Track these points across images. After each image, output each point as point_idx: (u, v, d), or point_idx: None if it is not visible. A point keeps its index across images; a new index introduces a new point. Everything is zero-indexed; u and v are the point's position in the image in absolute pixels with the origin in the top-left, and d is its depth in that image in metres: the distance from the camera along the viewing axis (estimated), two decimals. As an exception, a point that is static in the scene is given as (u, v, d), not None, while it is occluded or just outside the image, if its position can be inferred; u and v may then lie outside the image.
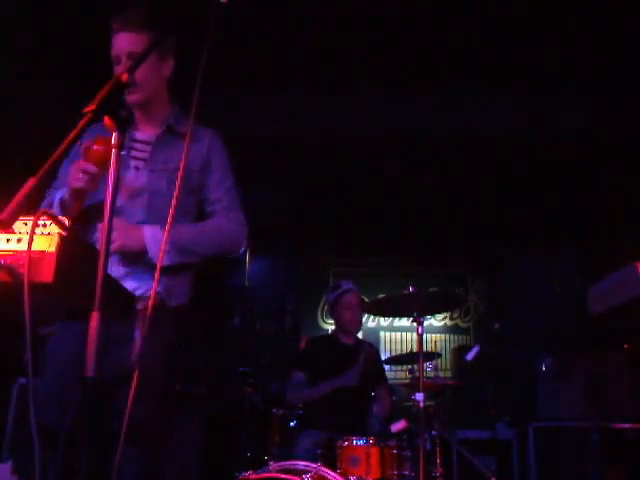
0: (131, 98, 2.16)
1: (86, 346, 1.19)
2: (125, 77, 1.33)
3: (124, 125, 1.32)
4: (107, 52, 2.18)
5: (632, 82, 4.34)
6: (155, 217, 2.12)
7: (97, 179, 1.91)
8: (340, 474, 2.91)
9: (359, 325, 4.07)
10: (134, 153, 2.22)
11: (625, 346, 3.79)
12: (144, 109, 2.27)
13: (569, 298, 5.70)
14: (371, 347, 4.21)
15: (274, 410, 3.55)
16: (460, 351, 6.54)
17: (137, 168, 2.20)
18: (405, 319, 6.37)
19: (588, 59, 4.23)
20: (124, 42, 2.12)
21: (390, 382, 4.28)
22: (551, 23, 3.98)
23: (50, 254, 1.44)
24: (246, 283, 4.82)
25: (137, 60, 1.61)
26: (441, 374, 6.54)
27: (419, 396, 3.00)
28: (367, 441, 3.03)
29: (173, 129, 2.25)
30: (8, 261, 1.42)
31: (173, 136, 2.25)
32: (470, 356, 4.26)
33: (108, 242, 1.25)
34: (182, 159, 1.52)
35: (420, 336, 3.14)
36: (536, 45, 4.18)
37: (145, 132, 2.26)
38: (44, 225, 1.47)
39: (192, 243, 2.19)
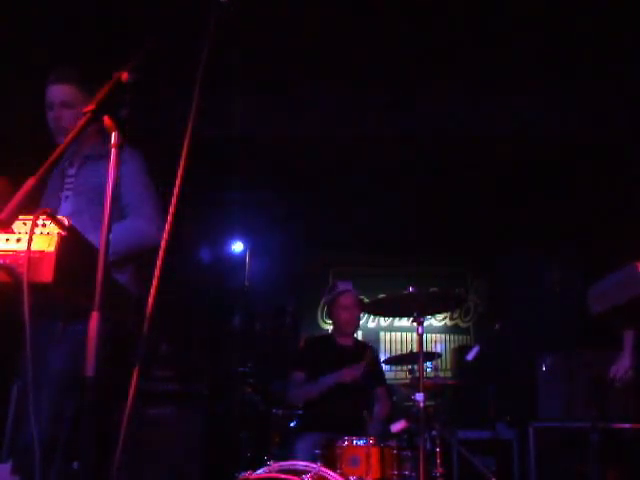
0: (59, 140, 2.44)
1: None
2: (125, 77, 1.34)
3: (124, 125, 1.33)
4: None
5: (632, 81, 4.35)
6: None
7: None
8: (340, 474, 2.90)
9: (355, 326, 4.08)
10: (66, 186, 2.48)
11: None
12: (74, 148, 2.53)
13: (569, 298, 5.70)
14: (368, 349, 4.21)
15: (274, 410, 3.55)
16: (460, 351, 6.54)
17: (67, 197, 2.45)
18: (405, 319, 6.37)
19: (593, 59, 4.23)
20: (57, 92, 2.46)
21: (390, 382, 4.28)
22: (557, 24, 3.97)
23: (49, 254, 1.43)
24: (246, 283, 4.82)
25: (138, 62, 1.60)
26: (441, 374, 6.54)
27: (419, 396, 3.00)
28: (367, 441, 3.03)
29: (91, 157, 2.50)
30: (7, 261, 1.42)
31: (92, 160, 2.49)
32: (470, 356, 4.26)
33: (107, 243, 1.25)
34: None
35: (420, 336, 3.13)
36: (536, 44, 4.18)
37: (69, 166, 2.53)
38: (43, 225, 1.47)
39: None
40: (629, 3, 3.69)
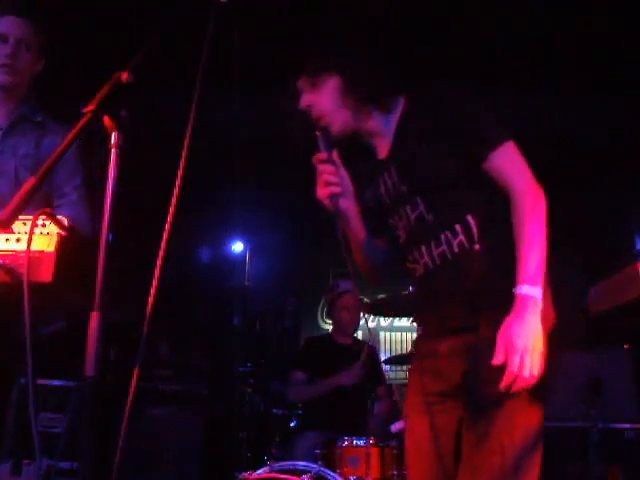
0: (5, 78, 2.17)
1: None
2: (125, 76, 1.33)
3: (124, 125, 1.33)
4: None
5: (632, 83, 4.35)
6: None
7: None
8: (340, 474, 2.90)
9: (356, 326, 4.08)
10: None
11: (625, 346, 3.79)
12: (5, 93, 2.24)
13: (569, 298, 5.69)
14: (369, 347, 4.21)
15: (274, 410, 3.55)
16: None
17: None
18: (405, 319, 6.37)
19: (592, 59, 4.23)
20: (16, 26, 2.17)
21: (390, 382, 4.28)
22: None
23: (49, 254, 1.44)
24: (246, 283, 4.82)
25: (140, 59, 1.59)
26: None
27: (419, 396, 2.99)
28: (367, 441, 3.03)
29: (27, 117, 2.24)
30: (7, 261, 1.42)
31: (27, 124, 2.23)
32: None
33: (107, 242, 1.25)
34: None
35: (420, 336, 3.13)
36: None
37: None
38: (43, 225, 1.48)
39: None
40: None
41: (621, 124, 4.70)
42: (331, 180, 1.71)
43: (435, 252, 1.67)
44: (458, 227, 1.63)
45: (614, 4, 3.83)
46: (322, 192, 1.74)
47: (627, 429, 3.71)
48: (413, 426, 1.73)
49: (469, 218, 1.63)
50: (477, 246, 1.61)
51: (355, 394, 3.62)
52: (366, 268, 1.93)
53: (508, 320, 1.49)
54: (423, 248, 1.69)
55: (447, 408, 1.65)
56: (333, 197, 1.71)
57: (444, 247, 1.65)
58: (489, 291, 1.59)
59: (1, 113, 2.24)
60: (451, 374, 1.63)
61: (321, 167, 1.75)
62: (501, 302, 1.53)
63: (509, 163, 1.65)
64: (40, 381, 3.35)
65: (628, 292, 2.46)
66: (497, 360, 1.46)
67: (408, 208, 1.71)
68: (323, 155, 1.74)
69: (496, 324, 1.50)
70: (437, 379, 1.67)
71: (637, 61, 4.16)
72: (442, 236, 1.65)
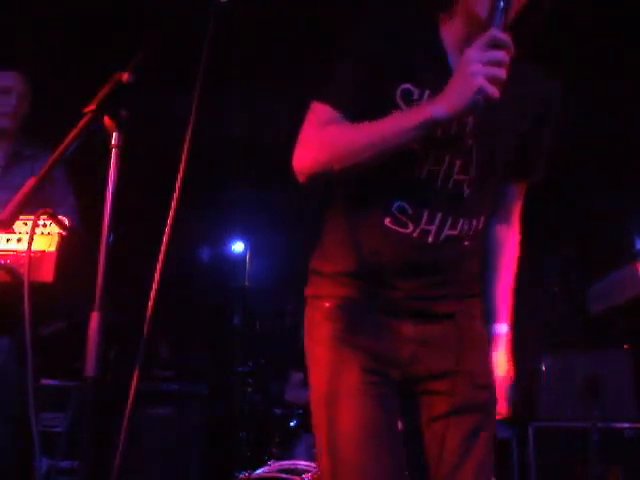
0: (7, 123, 2.55)
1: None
2: (126, 77, 1.34)
3: (124, 126, 1.33)
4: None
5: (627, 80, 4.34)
6: None
7: None
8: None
9: None
10: None
11: (625, 346, 3.79)
12: (3, 136, 2.59)
13: (568, 298, 5.70)
14: None
15: (274, 410, 3.55)
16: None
17: None
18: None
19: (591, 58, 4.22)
20: (14, 80, 2.59)
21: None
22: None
23: (50, 254, 1.44)
24: (247, 283, 4.82)
25: (141, 59, 1.60)
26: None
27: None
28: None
29: (19, 153, 2.56)
30: (9, 261, 1.43)
31: (21, 159, 2.54)
32: None
33: (108, 243, 1.25)
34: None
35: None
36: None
37: None
38: (44, 225, 1.48)
39: None
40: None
41: (620, 124, 4.70)
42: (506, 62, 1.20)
43: (446, 231, 1.43)
44: (475, 222, 1.48)
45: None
46: (497, 73, 1.19)
47: (627, 428, 3.71)
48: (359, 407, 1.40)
49: (484, 218, 1.52)
50: (467, 243, 1.49)
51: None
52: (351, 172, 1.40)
53: (508, 364, 1.59)
54: (439, 216, 1.40)
55: (391, 390, 1.45)
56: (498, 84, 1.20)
57: (455, 232, 1.44)
58: (470, 289, 1.56)
59: (0, 154, 2.55)
60: (418, 361, 1.46)
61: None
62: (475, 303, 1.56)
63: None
64: (42, 381, 3.35)
65: (627, 292, 2.47)
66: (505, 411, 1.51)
67: (458, 163, 1.40)
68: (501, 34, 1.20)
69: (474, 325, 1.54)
70: (389, 360, 1.45)
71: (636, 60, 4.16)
72: (461, 220, 1.44)
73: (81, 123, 1.29)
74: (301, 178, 1.45)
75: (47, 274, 1.42)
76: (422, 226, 1.41)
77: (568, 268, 6.10)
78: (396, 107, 1.37)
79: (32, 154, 2.54)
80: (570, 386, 3.86)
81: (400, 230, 1.41)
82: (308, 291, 1.68)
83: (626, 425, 3.69)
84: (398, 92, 1.38)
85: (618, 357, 3.72)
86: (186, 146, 1.51)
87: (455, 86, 1.22)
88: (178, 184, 1.47)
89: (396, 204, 1.41)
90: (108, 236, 1.28)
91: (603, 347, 3.91)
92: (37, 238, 1.44)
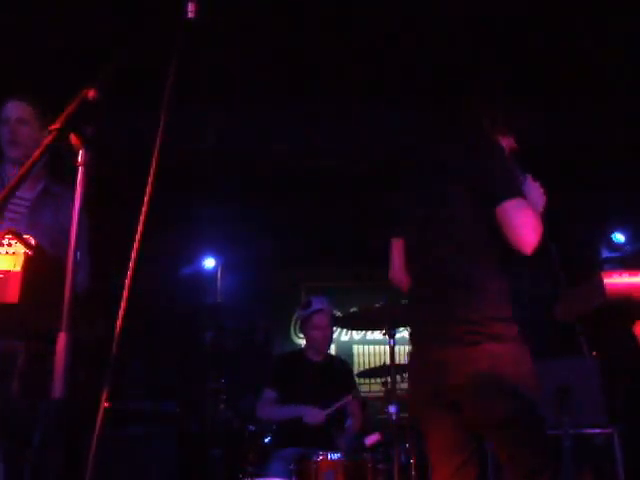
0: (12, 153, 2.53)
1: None
2: (91, 94, 1.33)
3: (90, 142, 1.32)
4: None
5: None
6: None
7: None
8: (315, 489, 2.89)
9: (328, 344, 4.07)
10: (10, 207, 2.45)
11: (593, 353, 3.85)
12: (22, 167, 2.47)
13: (538, 307, 5.77)
14: (343, 364, 4.20)
15: (248, 427, 3.52)
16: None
17: (12, 220, 2.40)
18: (378, 332, 6.38)
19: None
20: (14, 108, 2.58)
21: (364, 395, 4.27)
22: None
23: (15, 274, 1.41)
24: (219, 300, 4.79)
25: (107, 76, 1.59)
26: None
27: (393, 408, 3.00)
28: (341, 455, 3.02)
29: (49, 190, 2.57)
30: (-28, 282, 1.39)
31: (48, 196, 2.55)
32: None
33: (75, 263, 1.23)
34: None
35: (392, 348, 3.15)
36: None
37: (21, 190, 2.48)
38: (9, 244, 1.45)
39: None
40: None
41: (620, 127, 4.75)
42: None
43: None
44: None
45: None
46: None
47: (597, 434, 3.76)
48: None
49: None
50: None
51: (325, 422, 3.60)
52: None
53: None
54: None
55: None
56: None
57: None
58: None
59: (25, 187, 2.50)
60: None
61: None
62: None
63: None
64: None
65: (594, 301, 2.51)
66: None
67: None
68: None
69: None
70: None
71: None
72: None
73: (46, 140, 1.27)
74: (530, 252, 1.88)
75: (12, 295, 1.39)
76: None
77: (539, 274, 6.19)
78: None
79: (60, 192, 2.55)
80: (542, 394, 3.90)
81: None
82: (511, 332, 1.96)
83: (596, 430, 3.75)
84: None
85: (587, 364, 3.77)
86: (154, 162, 1.50)
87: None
88: (146, 199, 1.46)
89: None
90: (75, 254, 1.26)
91: (571, 354, 3.98)
92: (1, 258, 1.42)
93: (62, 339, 1.19)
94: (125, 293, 1.33)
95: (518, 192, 1.91)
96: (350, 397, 3.71)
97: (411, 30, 4.03)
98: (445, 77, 4.22)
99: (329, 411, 3.56)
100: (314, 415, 3.55)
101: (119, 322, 1.30)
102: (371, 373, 4.39)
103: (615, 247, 5.51)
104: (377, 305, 3.13)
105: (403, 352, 6.88)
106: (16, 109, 2.58)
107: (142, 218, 1.45)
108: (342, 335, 6.92)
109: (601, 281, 2.42)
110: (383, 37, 4.08)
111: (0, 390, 2.01)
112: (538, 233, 1.86)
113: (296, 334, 6.75)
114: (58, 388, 1.18)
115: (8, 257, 1.43)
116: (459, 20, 3.93)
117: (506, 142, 2.15)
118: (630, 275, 2.44)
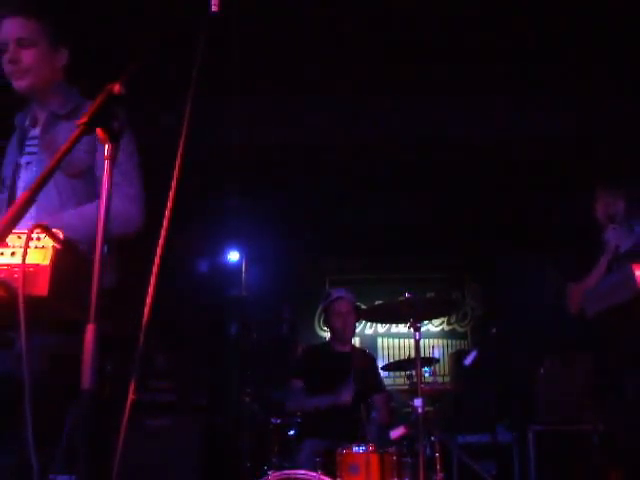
0: (18, 84, 2.08)
1: None
2: (117, 89, 1.34)
3: (117, 137, 1.33)
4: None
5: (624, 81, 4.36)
6: (41, 210, 2.00)
7: None
8: (340, 482, 2.90)
9: (351, 332, 4.08)
10: (27, 149, 2.14)
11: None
12: (38, 98, 2.17)
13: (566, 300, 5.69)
14: (366, 355, 4.20)
15: (273, 419, 3.53)
16: (458, 356, 6.53)
17: (28, 163, 2.13)
18: (402, 325, 6.37)
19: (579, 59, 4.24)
20: (12, 27, 2.04)
21: (389, 388, 4.26)
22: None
23: (44, 267, 1.43)
24: (243, 292, 4.81)
25: (133, 71, 1.60)
26: (439, 379, 6.53)
27: (418, 402, 2.99)
28: (367, 448, 3.02)
29: (56, 114, 2.15)
30: (2, 275, 1.42)
31: (57, 120, 2.14)
32: (468, 360, 4.25)
33: (102, 255, 1.25)
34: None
35: (417, 342, 3.13)
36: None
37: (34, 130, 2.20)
38: (38, 238, 1.47)
39: (70, 229, 1.74)
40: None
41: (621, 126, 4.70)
42: None
43: None
44: None
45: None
46: None
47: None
48: None
49: None
50: None
51: (353, 403, 3.61)
52: None
53: None
54: None
55: None
56: None
57: None
58: None
59: (42, 118, 2.18)
60: None
61: None
62: None
63: None
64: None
65: (623, 293, 2.47)
66: None
67: None
68: None
69: None
70: None
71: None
72: None
73: (74, 136, 1.29)
74: None
75: (42, 288, 1.41)
76: None
77: (568, 270, 6.09)
78: None
79: (70, 112, 2.12)
80: (569, 389, 3.86)
81: None
82: None
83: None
84: None
85: (617, 359, 3.71)
86: (179, 156, 1.51)
87: None
88: (171, 194, 1.47)
89: None
90: (102, 248, 1.27)
91: (600, 349, 3.91)
92: (31, 251, 1.44)
93: (90, 331, 1.21)
94: (151, 287, 1.35)
95: None
96: (362, 355, 3.75)
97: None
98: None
99: (350, 386, 3.57)
100: (343, 395, 3.57)
101: (146, 313, 1.32)
102: (396, 366, 4.38)
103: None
104: (402, 298, 3.11)
105: (427, 345, 6.87)
106: (16, 27, 2.05)
107: (167, 213, 1.47)
108: (366, 328, 6.92)
109: (632, 273, 2.37)
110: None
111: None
112: None
113: (320, 327, 6.77)
114: (87, 380, 1.20)
115: (37, 251, 1.45)
116: None
117: None
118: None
